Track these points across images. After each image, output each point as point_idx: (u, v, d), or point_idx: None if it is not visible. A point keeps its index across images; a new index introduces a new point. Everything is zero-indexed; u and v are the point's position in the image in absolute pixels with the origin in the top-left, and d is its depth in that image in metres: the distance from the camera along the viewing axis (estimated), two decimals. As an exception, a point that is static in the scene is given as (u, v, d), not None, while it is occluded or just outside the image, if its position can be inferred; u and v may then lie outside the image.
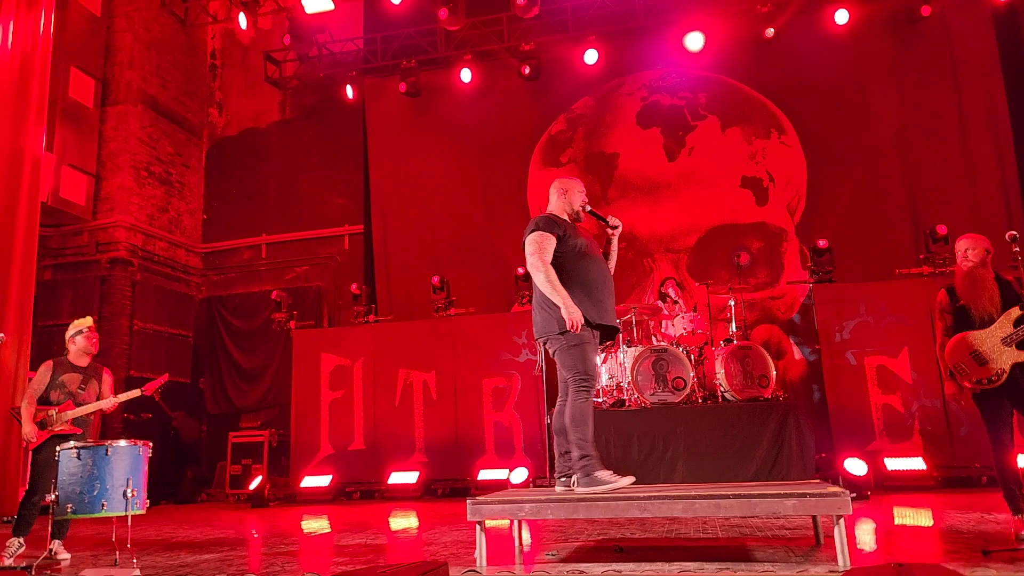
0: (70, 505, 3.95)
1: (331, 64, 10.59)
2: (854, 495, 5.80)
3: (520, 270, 8.57)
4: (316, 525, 6.03)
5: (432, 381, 8.28)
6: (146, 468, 4.27)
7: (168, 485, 9.53)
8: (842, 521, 3.06)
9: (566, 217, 3.95)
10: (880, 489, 6.42)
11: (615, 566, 3.18)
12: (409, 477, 7.93)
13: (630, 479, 3.60)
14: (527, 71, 9.60)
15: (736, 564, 3.20)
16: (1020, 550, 3.24)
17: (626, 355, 7.06)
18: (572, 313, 3.63)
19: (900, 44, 8.74)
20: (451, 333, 8.38)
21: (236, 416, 9.84)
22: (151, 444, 4.35)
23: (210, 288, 11.17)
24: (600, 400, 7.27)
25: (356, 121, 10.65)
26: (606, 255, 4.03)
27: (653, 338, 7.30)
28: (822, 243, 7.47)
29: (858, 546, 3.82)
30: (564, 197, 4.00)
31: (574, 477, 3.62)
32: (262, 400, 10.04)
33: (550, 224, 3.81)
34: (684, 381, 6.71)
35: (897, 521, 4.83)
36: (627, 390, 7.02)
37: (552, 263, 3.74)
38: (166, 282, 10.60)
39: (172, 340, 10.54)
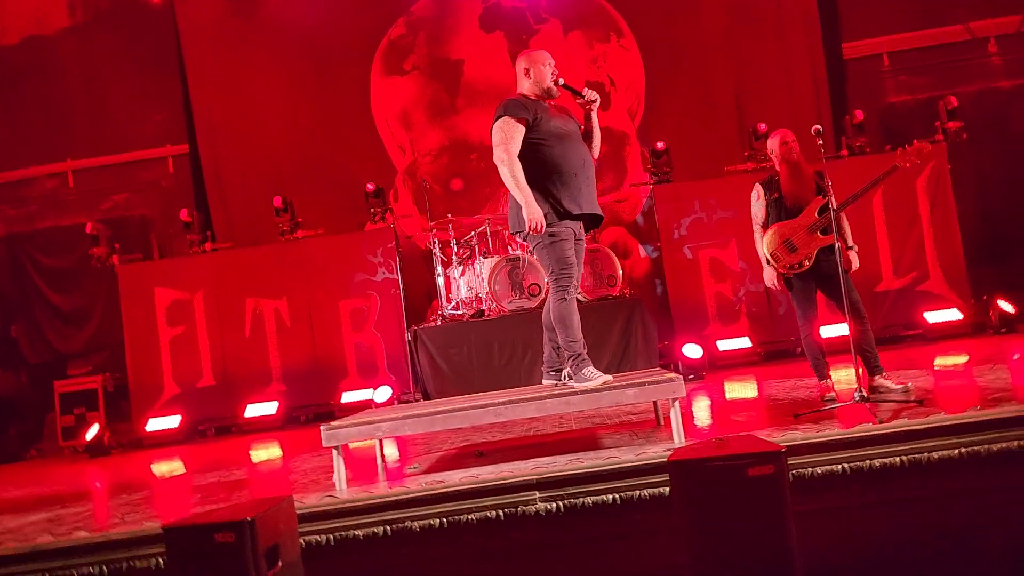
0: None
1: (126, -43, 9.17)
2: (691, 376, 6.42)
3: (370, 186, 8.24)
4: (167, 468, 5.72)
5: (284, 308, 7.91)
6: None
7: (-12, 445, 8.63)
8: (677, 403, 3.34)
9: (536, 97, 3.58)
10: (714, 368, 7.08)
11: (473, 471, 3.27)
12: (268, 408, 7.67)
13: (608, 376, 3.52)
14: (358, -32, 8.87)
15: (586, 453, 3.40)
16: (823, 410, 3.70)
17: (483, 266, 7.12)
18: (533, 214, 3.39)
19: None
20: (300, 257, 7.98)
21: (62, 363, 8.94)
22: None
23: (8, 224, 9.76)
24: (460, 312, 7.34)
25: (166, 25, 9.38)
26: (588, 134, 3.68)
27: (508, 247, 7.39)
28: (660, 145, 7.78)
29: (695, 422, 4.21)
30: (530, 75, 3.60)
31: (564, 371, 3.58)
32: (90, 343, 9.14)
33: (517, 108, 3.48)
34: (539, 287, 6.91)
35: (728, 396, 5.38)
36: (486, 300, 7.13)
37: (524, 151, 3.45)
38: (-49, 220, 9.14)
39: (-31, 287, 9.23)
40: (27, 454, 8.75)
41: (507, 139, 3.46)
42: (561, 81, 3.63)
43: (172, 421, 7.69)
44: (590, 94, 3.64)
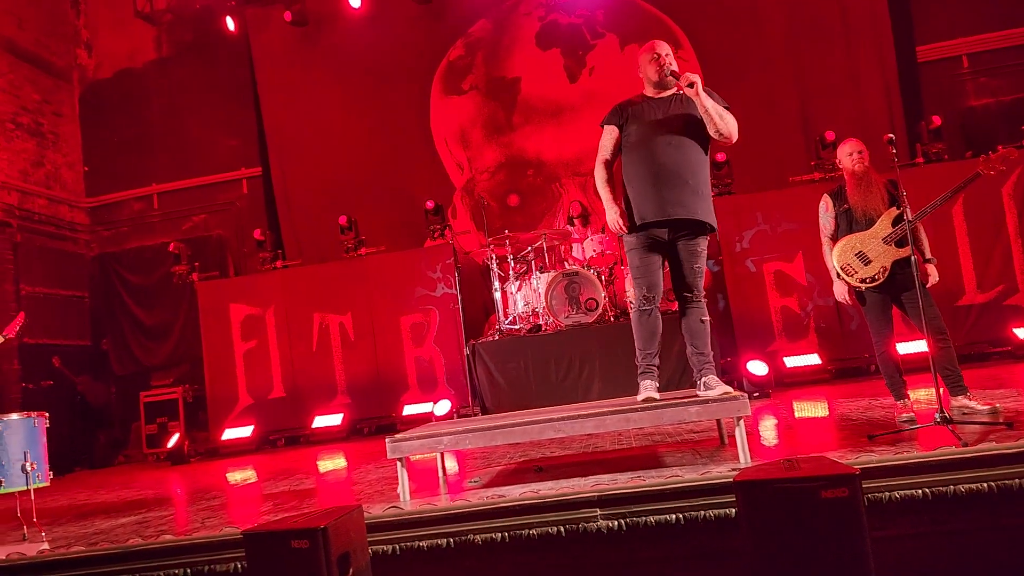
0: (-37, 486, 3.74)
1: (207, -7, 9.74)
2: (757, 394, 6.24)
3: (429, 204, 8.42)
4: (241, 476, 5.95)
5: (348, 323, 8.16)
6: (44, 439, 4.06)
7: (81, 451, 9.19)
8: (742, 422, 3.25)
9: (653, 94, 3.57)
10: (780, 386, 6.86)
11: (533, 486, 3.28)
12: (334, 420, 7.90)
13: (654, 393, 3.50)
14: (419, -8, 9.13)
15: (647, 471, 3.35)
16: (901, 432, 3.50)
17: (539, 281, 7.15)
18: (608, 215, 3.53)
19: (786, -50, 8.79)
20: (364, 273, 8.23)
21: (146, 375, 9.47)
22: (47, 414, 4.12)
23: (101, 244, 10.46)
24: (517, 327, 7.39)
25: (241, 55, 9.93)
26: (707, 119, 3.45)
27: (565, 262, 7.40)
28: (720, 156, 7.66)
29: (761, 442, 4.07)
30: (642, 73, 3.61)
31: (701, 380, 3.53)
32: (171, 357, 9.67)
33: (610, 114, 3.62)
34: (596, 302, 6.88)
35: (797, 415, 5.19)
36: (543, 315, 7.15)
37: (622, 155, 3.58)
38: (51, 241, 9.84)
39: (66, 302, 9.89)
40: (116, 460, 9.31)
41: (600, 146, 3.63)
42: (674, 67, 3.52)
43: (245, 431, 8.01)
44: (685, 78, 3.42)
